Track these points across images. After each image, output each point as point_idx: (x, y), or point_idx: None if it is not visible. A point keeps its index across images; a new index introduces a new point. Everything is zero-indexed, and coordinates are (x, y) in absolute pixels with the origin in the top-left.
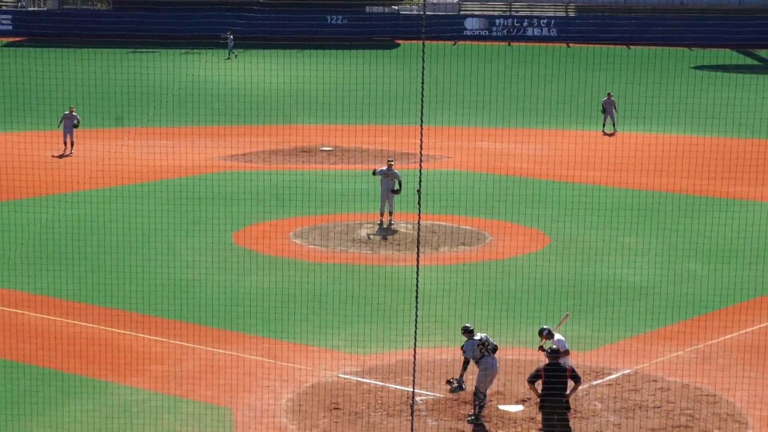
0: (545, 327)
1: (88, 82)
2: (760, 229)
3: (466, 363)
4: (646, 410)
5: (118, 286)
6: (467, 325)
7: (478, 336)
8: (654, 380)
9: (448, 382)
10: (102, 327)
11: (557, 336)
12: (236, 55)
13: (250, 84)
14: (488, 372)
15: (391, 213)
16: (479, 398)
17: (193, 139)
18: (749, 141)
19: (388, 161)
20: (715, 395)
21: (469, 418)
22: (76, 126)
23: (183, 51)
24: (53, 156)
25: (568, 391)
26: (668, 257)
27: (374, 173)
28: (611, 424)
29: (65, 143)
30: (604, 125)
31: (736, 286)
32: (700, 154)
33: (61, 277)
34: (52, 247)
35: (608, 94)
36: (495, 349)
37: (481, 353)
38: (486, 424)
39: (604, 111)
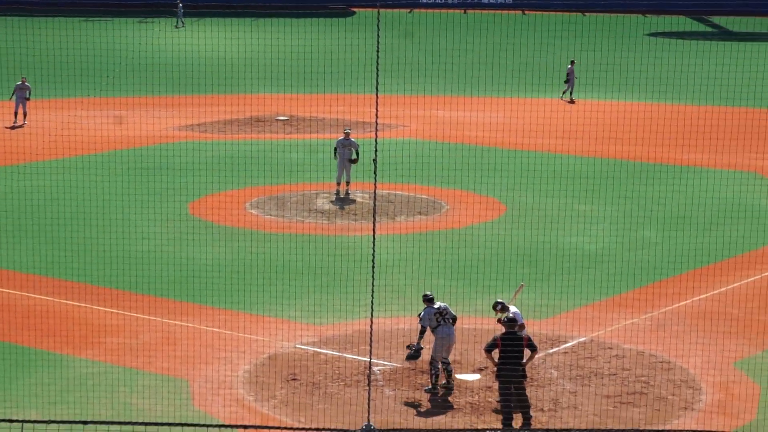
0: (499, 301)
1: (40, 51)
2: (714, 197)
3: (422, 331)
4: (602, 377)
5: (73, 258)
6: (427, 293)
7: (437, 305)
8: (609, 348)
9: (408, 347)
10: (57, 299)
11: (513, 309)
12: (183, 25)
13: (204, 53)
14: (444, 341)
15: (348, 183)
16: (435, 368)
17: (147, 109)
18: (703, 108)
19: (345, 130)
20: (669, 362)
21: (426, 389)
22: (28, 98)
23: (137, 20)
24: (6, 127)
25: (524, 360)
26: (623, 225)
27: (335, 149)
28: (567, 392)
29: (16, 114)
30: (570, 92)
31: (690, 253)
32: (655, 121)
33: (15, 249)
34: (5, 219)
35: (571, 61)
36: (454, 319)
37: (438, 322)
38: (442, 392)
39: (567, 80)
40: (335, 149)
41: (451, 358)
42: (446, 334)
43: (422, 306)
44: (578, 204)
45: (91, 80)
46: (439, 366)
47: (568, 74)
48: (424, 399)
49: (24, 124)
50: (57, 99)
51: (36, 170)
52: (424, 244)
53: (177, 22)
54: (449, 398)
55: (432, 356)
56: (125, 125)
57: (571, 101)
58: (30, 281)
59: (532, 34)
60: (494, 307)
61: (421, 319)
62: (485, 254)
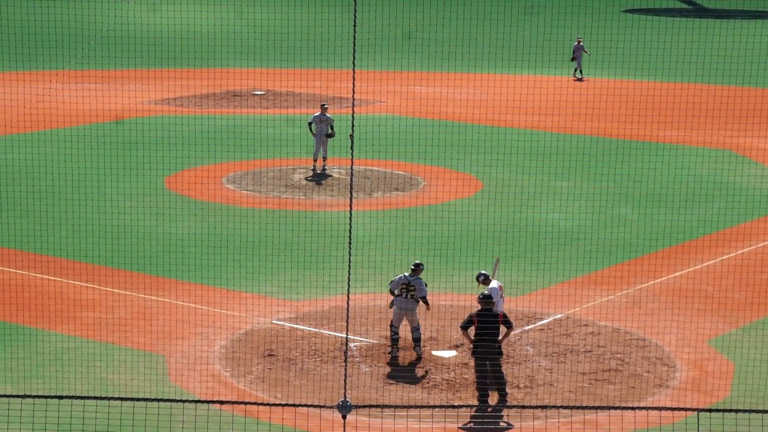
0: (482, 272)
1: (13, 23)
2: (689, 174)
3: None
4: (578, 354)
5: (48, 232)
6: (418, 261)
7: (415, 277)
8: (585, 325)
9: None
10: (32, 274)
11: (494, 283)
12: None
13: (180, 27)
14: (397, 311)
15: (324, 158)
16: (392, 332)
17: (123, 82)
18: (678, 85)
19: (322, 105)
20: (644, 339)
21: (390, 351)
22: None
23: None
24: None
25: (500, 337)
26: (599, 202)
27: (309, 124)
28: (543, 369)
29: None
30: (579, 71)
31: (665, 230)
32: (630, 98)
33: None
34: None
35: (578, 39)
36: (423, 299)
37: (399, 293)
38: (419, 369)
39: (573, 58)
40: (310, 124)
41: (427, 335)
42: (400, 306)
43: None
44: (554, 181)
45: (65, 53)
46: (398, 331)
47: (574, 51)
48: (401, 375)
49: None
50: (31, 71)
51: (10, 143)
52: (400, 220)
53: None
54: (426, 375)
55: (392, 321)
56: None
57: (579, 79)
58: (4, 255)
59: (508, 11)
60: (477, 278)
61: (391, 282)
62: (462, 230)
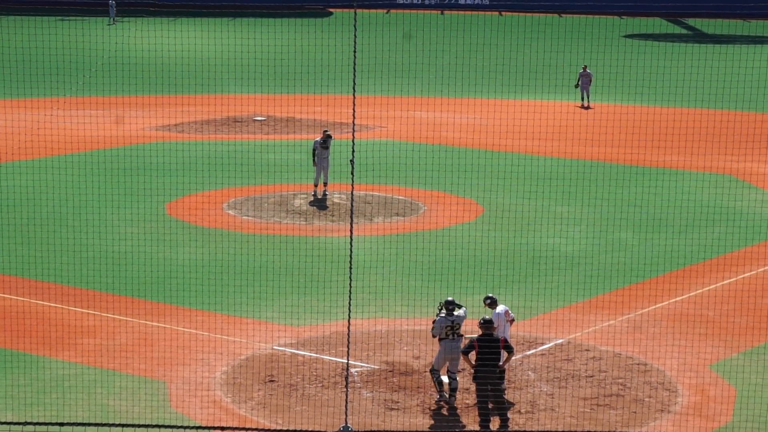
0: (490, 295)
1: (15, 50)
2: (690, 198)
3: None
4: (579, 379)
5: (50, 258)
6: (450, 298)
7: (457, 312)
8: (587, 349)
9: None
10: (33, 300)
11: (500, 307)
12: (114, 22)
13: (181, 53)
14: (445, 354)
15: (325, 184)
16: (435, 375)
17: (124, 108)
18: (679, 110)
19: (324, 132)
20: (646, 364)
21: (436, 400)
22: None
23: (121, 19)
24: None
25: (501, 362)
26: (600, 227)
27: (314, 150)
28: (544, 394)
29: None
30: (584, 98)
31: (666, 255)
32: (631, 123)
33: None
34: None
35: (584, 66)
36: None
37: (446, 335)
38: (420, 395)
39: (577, 85)
40: (314, 150)
41: (428, 359)
42: (449, 348)
43: (399, 308)
44: (555, 206)
45: (66, 80)
46: (441, 374)
47: (579, 78)
48: (402, 400)
49: None
50: (32, 98)
51: (12, 170)
52: (401, 245)
53: (111, 20)
54: (425, 400)
55: (432, 365)
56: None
57: (585, 107)
58: (5, 282)
59: (509, 36)
60: (484, 301)
61: (433, 327)
62: (462, 256)
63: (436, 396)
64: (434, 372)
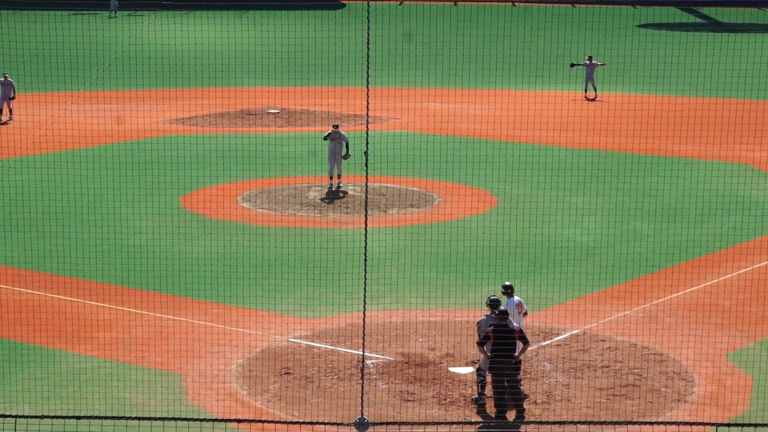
0: (507, 283)
1: (29, 45)
2: (704, 188)
3: (480, 342)
4: (595, 370)
5: (65, 252)
6: (492, 296)
7: (505, 305)
8: (602, 340)
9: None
10: (49, 294)
11: (516, 298)
12: (115, 15)
13: (194, 46)
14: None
15: (339, 176)
16: (481, 376)
17: (138, 102)
18: (694, 99)
19: (333, 125)
20: (662, 354)
21: (473, 398)
22: (12, 97)
23: (126, 13)
24: None
25: (517, 353)
26: (615, 217)
27: (324, 138)
28: (560, 385)
29: (1, 110)
30: (588, 88)
31: (681, 245)
32: (645, 112)
33: (7, 244)
34: None
35: (588, 57)
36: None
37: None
38: (436, 386)
39: (573, 65)
40: (325, 138)
41: (444, 351)
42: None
43: (414, 300)
44: (570, 196)
45: (80, 74)
46: (486, 375)
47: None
48: (418, 392)
49: (10, 119)
50: (46, 93)
51: (26, 164)
52: (416, 236)
53: (112, 12)
54: (441, 391)
55: (479, 365)
56: (123, 123)
57: (587, 98)
58: (21, 276)
59: (522, 26)
60: (502, 288)
61: (478, 328)
62: (477, 247)
63: (475, 395)
64: (480, 372)
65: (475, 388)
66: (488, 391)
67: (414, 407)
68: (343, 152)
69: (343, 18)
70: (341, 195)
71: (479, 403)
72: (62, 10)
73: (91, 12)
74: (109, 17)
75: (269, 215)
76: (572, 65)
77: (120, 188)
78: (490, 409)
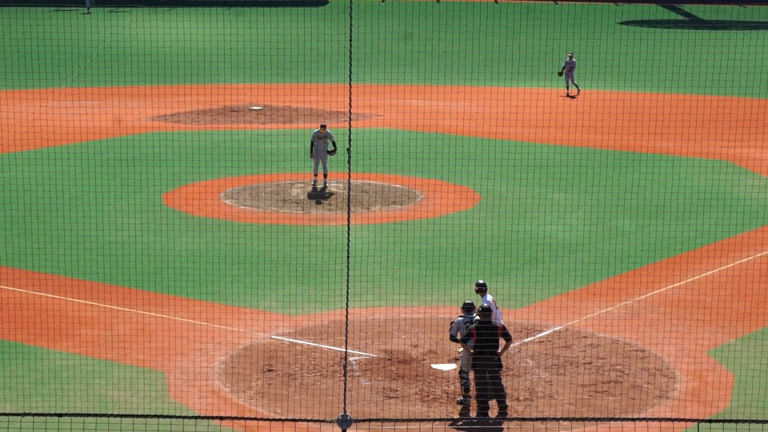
0: (481, 282)
1: (9, 41)
2: (686, 185)
3: (454, 338)
4: (577, 366)
5: (47, 249)
6: (468, 301)
7: (483, 305)
8: (585, 336)
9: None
10: (31, 291)
11: (488, 297)
12: (89, 11)
13: (176, 43)
14: (467, 355)
15: (325, 175)
16: (464, 378)
17: (119, 99)
18: (675, 96)
19: (321, 125)
20: (644, 350)
21: (458, 400)
22: None
23: (109, 9)
24: None
25: (499, 350)
26: (597, 214)
27: (312, 140)
28: (543, 381)
29: None
30: (568, 85)
31: (663, 241)
32: (627, 109)
33: None
34: None
35: (569, 54)
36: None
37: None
38: (419, 383)
39: (560, 73)
40: (312, 143)
41: (426, 348)
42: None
43: (397, 297)
44: (553, 193)
45: (62, 70)
46: (470, 376)
47: (565, 65)
48: (400, 389)
49: None
50: (27, 90)
51: (8, 161)
52: (399, 233)
53: (87, 9)
54: (424, 388)
55: (461, 367)
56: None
57: (569, 96)
58: (2, 273)
59: (504, 23)
60: (475, 286)
61: (451, 326)
62: (460, 244)
63: (459, 397)
64: (463, 374)
65: (458, 385)
66: (472, 392)
67: (397, 404)
68: (330, 148)
69: (325, 15)
70: (326, 195)
71: (464, 405)
72: (42, 6)
73: (72, 8)
74: (83, 14)
75: (252, 212)
76: (560, 74)
77: (102, 185)
78: (474, 411)
